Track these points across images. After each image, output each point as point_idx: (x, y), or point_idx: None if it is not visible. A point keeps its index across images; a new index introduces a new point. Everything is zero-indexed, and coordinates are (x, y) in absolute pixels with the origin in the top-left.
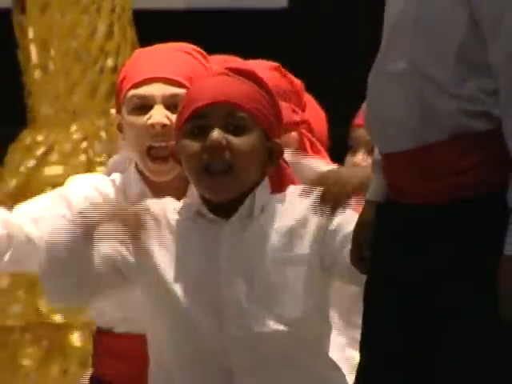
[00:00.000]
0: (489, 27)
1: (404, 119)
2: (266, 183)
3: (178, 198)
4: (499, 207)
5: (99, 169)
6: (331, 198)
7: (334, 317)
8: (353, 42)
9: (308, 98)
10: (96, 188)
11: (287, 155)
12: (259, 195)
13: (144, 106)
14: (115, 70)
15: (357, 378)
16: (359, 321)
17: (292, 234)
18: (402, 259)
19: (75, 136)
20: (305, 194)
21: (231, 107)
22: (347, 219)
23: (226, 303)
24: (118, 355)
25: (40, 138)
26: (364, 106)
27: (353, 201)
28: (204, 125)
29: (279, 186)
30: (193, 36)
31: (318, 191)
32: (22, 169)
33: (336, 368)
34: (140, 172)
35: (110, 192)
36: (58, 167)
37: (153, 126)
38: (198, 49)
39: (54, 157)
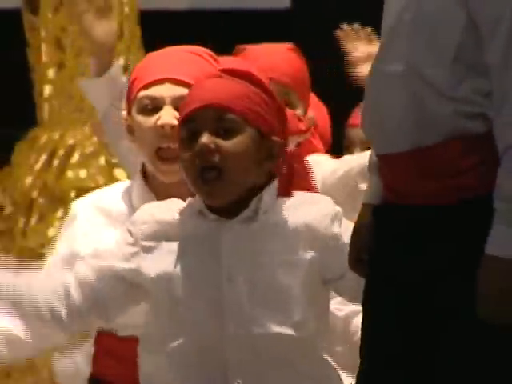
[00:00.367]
0: (487, 28)
1: (402, 120)
2: (273, 186)
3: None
4: None
5: (117, 171)
6: None
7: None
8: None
9: (311, 94)
10: (96, 207)
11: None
12: (265, 198)
13: (153, 107)
14: (126, 69)
15: (357, 379)
16: None
17: (295, 238)
18: (400, 260)
19: (95, 138)
20: (312, 201)
21: (220, 110)
22: (348, 236)
23: (227, 303)
24: (119, 356)
25: (55, 136)
26: (360, 106)
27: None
28: (195, 129)
29: (289, 188)
30: (196, 36)
31: (325, 201)
32: (37, 167)
33: (333, 368)
34: (145, 176)
35: (111, 204)
36: (82, 171)
37: (162, 126)
38: (208, 51)
39: (75, 158)
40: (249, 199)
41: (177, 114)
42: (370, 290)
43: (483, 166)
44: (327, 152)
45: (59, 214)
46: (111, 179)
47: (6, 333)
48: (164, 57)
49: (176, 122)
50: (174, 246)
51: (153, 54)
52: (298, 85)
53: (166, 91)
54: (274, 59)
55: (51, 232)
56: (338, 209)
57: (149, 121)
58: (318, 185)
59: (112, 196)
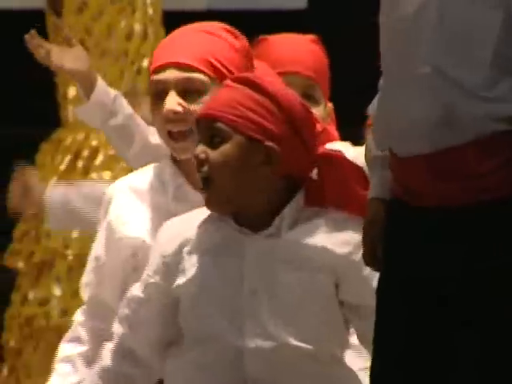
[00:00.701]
0: None
1: (425, 123)
2: (297, 200)
3: None
4: None
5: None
6: None
7: None
8: (372, 43)
9: None
10: (130, 187)
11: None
12: (288, 215)
13: (161, 91)
14: None
15: (370, 381)
16: None
17: (316, 259)
18: (416, 260)
19: None
20: (340, 226)
21: (210, 120)
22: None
23: (247, 316)
24: None
25: (80, 137)
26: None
27: None
28: (199, 140)
29: (320, 197)
30: None
31: (354, 228)
32: (62, 168)
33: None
34: (172, 156)
35: (143, 185)
36: (106, 172)
37: (166, 113)
38: (228, 27)
39: (99, 160)
40: (273, 209)
41: (180, 100)
42: (383, 290)
43: (507, 167)
44: None
45: None
46: None
47: None
48: (173, 40)
49: (179, 108)
50: (197, 258)
51: (166, 38)
52: (322, 78)
53: (170, 75)
54: (298, 52)
55: (75, 233)
56: None
57: (158, 106)
58: None
59: (144, 177)
